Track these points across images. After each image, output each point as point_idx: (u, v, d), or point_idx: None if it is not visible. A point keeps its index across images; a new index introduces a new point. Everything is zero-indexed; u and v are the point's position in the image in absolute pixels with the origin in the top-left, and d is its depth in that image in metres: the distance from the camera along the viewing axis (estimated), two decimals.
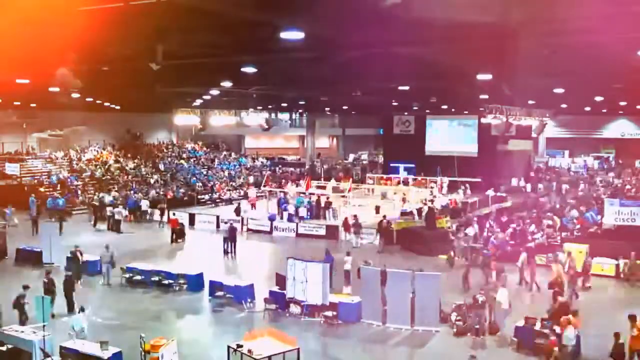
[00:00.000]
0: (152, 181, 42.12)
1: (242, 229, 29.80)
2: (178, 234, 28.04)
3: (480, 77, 20.35)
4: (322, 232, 28.65)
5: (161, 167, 46.20)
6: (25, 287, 16.10)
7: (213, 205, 38.70)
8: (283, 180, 44.57)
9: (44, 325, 13.94)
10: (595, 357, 14.08)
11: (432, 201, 33.63)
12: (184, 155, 51.18)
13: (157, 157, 48.33)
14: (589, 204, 31.05)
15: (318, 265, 17.12)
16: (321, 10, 11.72)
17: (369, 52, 16.54)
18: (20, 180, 37.61)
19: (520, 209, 33.00)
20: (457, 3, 11.68)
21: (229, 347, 13.14)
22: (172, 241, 27.59)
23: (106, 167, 43.01)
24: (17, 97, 32.31)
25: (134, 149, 48.28)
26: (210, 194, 40.25)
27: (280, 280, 18.06)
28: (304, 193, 36.28)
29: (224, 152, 57.04)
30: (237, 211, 32.43)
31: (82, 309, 15.27)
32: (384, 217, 27.72)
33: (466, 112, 46.52)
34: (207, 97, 35.22)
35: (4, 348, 13.59)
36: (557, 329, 14.09)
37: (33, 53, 14.21)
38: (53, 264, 22.34)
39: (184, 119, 42.10)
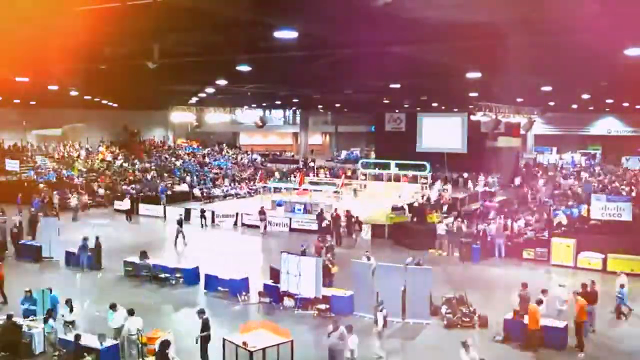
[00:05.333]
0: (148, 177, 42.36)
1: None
2: None
3: (470, 75, 20.71)
4: (315, 227, 28.99)
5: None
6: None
7: (209, 201, 38.62)
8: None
9: (44, 318, 14.28)
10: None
11: (422, 196, 34.11)
12: (179, 152, 51.34)
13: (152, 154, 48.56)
14: (577, 199, 31.61)
15: (311, 260, 17.49)
16: (314, 9, 12.01)
17: (361, 51, 16.84)
18: (19, 176, 37.78)
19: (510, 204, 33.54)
20: (447, 3, 12.01)
21: (224, 339, 13.43)
22: None
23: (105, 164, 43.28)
24: (17, 94, 32.43)
25: (131, 146, 48.41)
26: (206, 191, 40.49)
27: (274, 273, 18.43)
28: (296, 189, 36.74)
29: (217, 148, 57.24)
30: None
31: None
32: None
33: (456, 109, 47.02)
34: (203, 95, 35.52)
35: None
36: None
37: (32, 52, 14.44)
38: (52, 258, 22.72)
39: (180, 116, 42.34)
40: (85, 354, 12.72)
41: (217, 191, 40.58)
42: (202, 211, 31.37)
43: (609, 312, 16.90)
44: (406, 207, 31.03)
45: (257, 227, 29.66)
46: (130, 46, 16.33)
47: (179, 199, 37.34)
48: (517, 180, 43.44)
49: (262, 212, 29.78)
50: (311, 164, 54.66)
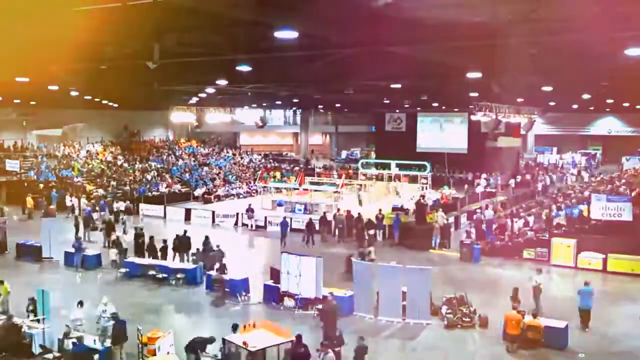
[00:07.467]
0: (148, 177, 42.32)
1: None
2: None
3: (470, 75, 20.70)
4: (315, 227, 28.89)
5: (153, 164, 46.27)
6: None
7: (205, 201, 38.48)
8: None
9: (43, 318, 14.27)
10: (582, 349, 14.50)
11: (422, 196, 34.05)
12: (179, 152, 51.25)
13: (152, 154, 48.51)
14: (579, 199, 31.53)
15: (311, 260, 17.48)
16: (314, 9, 12.04)
17: (361, 51, 16.86)
18: (19, 176, 37.73)
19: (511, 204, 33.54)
20: (447, 3, 12.04)
21: (224, 339, 13.42)
22: None
23: (106, 164, 43.25)
24: (17, 94, 32.44)
25: (131, 146, 48.36)
26: (207, 192, 40.44)
27: (275, 274, 18.42)
28: (297, 188, 36.74)
29: (216, 148, 57.13)
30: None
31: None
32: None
33: (456, 109, 47.05)
34: (203, 95, 35.55)
35: None
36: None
37: (33, 52, 14.46)
38: (52, 258, 22.70)
39: (180, 116, 42.33)
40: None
41: (221, 191, 40.67)
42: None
43: (596, 307, 16.95)
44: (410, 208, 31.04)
45: (260, 227, 29.90)
46: (131, 46, 16.36)
47: (179, 199, 37.30)
48: (513, 182, 43.30)
49: (250, 210, 30.36)
50: (319, 168, 54.34)
